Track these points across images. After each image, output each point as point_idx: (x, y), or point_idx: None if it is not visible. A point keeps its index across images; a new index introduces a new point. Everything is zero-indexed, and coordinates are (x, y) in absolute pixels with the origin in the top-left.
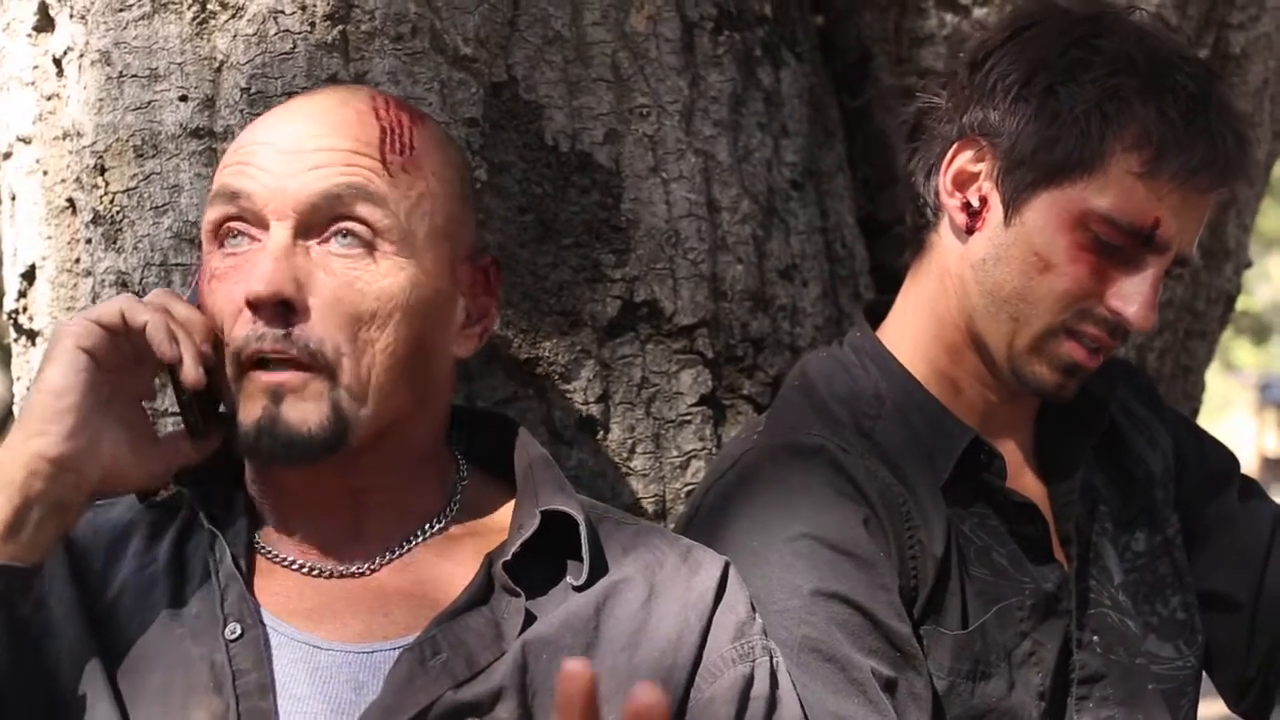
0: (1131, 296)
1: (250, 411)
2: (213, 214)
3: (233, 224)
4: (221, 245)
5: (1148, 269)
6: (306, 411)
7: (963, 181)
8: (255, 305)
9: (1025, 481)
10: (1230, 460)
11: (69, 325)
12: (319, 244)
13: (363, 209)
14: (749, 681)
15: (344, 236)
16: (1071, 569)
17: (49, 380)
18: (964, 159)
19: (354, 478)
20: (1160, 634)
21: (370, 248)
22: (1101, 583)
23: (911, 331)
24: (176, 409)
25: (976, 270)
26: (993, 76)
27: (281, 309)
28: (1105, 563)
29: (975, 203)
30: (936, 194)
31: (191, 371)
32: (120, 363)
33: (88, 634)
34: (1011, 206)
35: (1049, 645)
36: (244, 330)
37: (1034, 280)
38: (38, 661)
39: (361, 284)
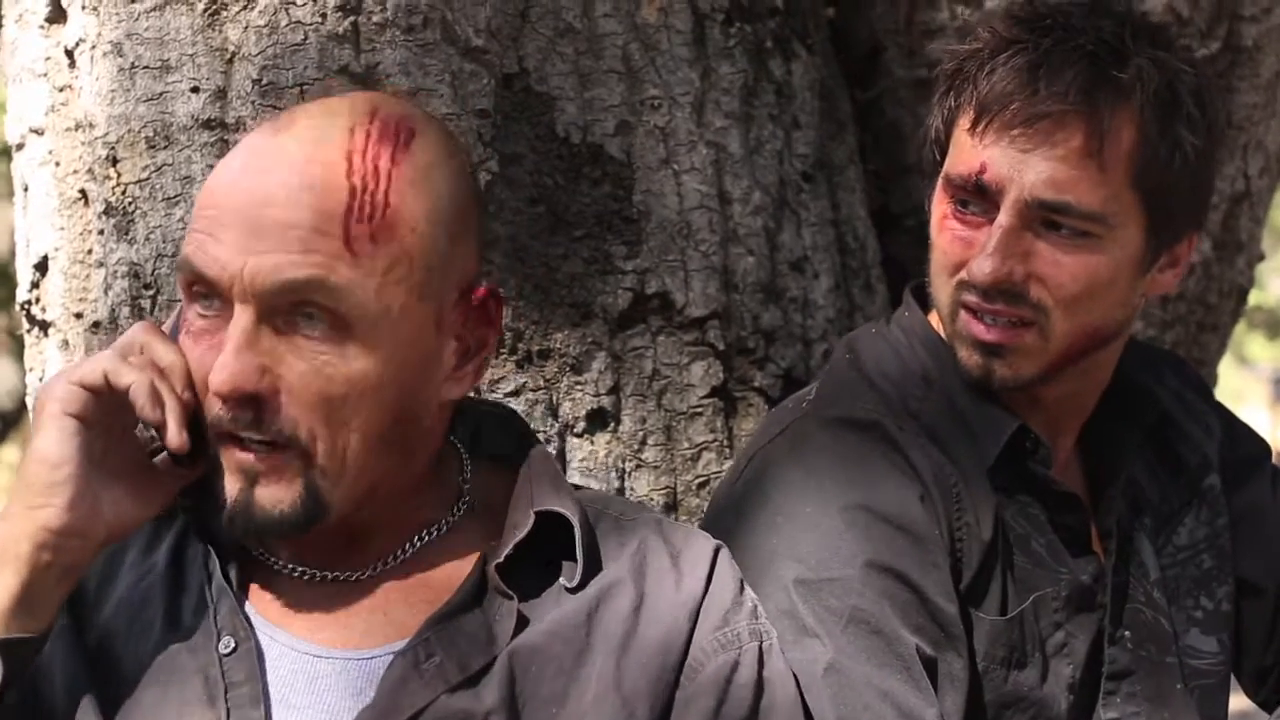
0: (981, 248)
1: (227, 488)
2: (181, 276)
3: (202, 288)
4: (195, 300)
5: (997, 221)
6: (279, 494)
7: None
8: (221, 398)
9: (1068, 472)
10: (1261, 446)
11: (53, 389)
12: (285, 324)
13: (324, 299)
14: (733, 669)
15: (309, 319)
16: (1108, 563)
17: (42, 451)
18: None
19: (344, 522)
20: (1204, 628)
21: (338, 330)
22: (1137, 578)
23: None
24: None
25: None
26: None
27: (248, 398)
28: (1142, 558)
29: None
30: None
31: (175, 438)
32: (107, 414)
33: (81, 665)
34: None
35: (1081, 638)
36: (215, 409)
37: (931, 263)
38: (36, 706)
39: (330, 369)
